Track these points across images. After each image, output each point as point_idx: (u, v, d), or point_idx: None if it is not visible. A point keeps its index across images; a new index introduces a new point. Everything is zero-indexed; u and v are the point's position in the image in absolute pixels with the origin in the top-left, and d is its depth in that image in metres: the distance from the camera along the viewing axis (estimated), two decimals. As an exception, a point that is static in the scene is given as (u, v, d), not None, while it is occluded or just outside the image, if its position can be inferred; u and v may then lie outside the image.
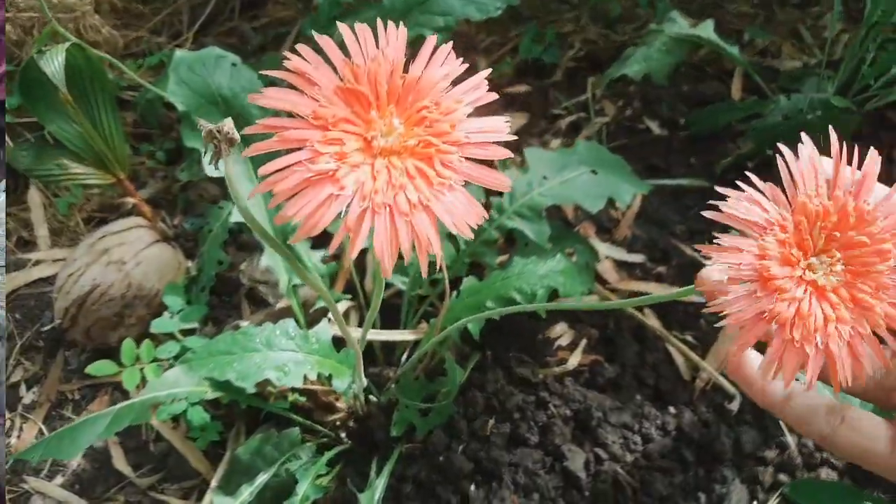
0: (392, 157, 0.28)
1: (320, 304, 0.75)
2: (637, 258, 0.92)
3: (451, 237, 0.75)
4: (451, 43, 0.31)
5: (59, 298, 0.87)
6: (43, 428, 0.87)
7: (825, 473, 0.70)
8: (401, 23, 0.31)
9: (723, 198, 0.30)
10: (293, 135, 0.27)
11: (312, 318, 0.77)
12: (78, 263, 0.87)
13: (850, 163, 0.31)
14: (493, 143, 0.30)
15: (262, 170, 0.26)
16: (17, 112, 1.14)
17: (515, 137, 0.31)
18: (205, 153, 0.27)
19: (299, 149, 0.27)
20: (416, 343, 0.76)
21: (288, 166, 0.27)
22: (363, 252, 0.90)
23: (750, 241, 0.29)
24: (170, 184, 1.14)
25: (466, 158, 0.29)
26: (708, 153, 1.03)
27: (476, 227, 0.29)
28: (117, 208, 1.15)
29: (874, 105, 0.95)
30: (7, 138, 1.11)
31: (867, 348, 0.28)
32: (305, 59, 0.28)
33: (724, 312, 0.28)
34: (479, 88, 0.31)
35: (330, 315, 0.72)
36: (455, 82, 0.31)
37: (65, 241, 1.11)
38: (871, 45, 0.97)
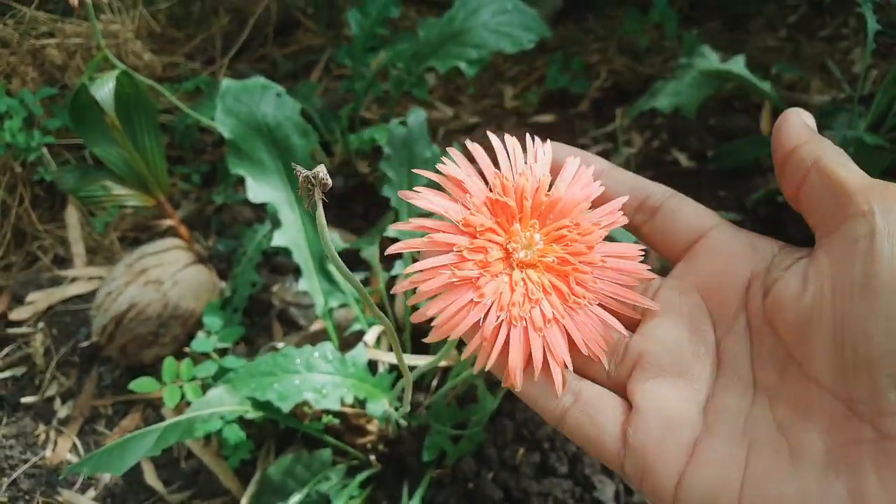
0: (529, 270, 0.29)
1: (355, 327, 0.76)
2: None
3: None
4: (592, 168, 0.32)
5: (97, 316, 0.89)
6: (77, 442, 0.88)
7: None
8: (548, 140, 0.32)
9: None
10: (444, 238, 0.28)
11: (346, 342, 0.78)
12: (117, 282, 0.89)
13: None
14: (627, 268, 0.31)
15: (409, 268, 0.27)
16: (58, 133, 1.17)
17: (648, 267, 0.32)
18: (300, 197, 0.28)
19: (446, 252, 0.28)
20: (447, 369, 0.77)
21: (434, 268, 0.27)
22: (392, 279, 0.92)
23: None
24: (203, 205, 1.17)
25: (600, 280, 0.30)
26: (736, 187, 1.04)
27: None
28: (151, 228, 1.18)
29: (907, 142, 0.95)
30: (49, 158, 1.15)
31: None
32: (459, 167, 0.29)
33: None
34: (615, 213, 0.32)
35: (365, 339, 0.73)
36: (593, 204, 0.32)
37: (100, 259, 1.13)
38: (904, 82, 0.98)
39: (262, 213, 1.11)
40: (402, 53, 0.99)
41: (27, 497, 0.82)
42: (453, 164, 0.29)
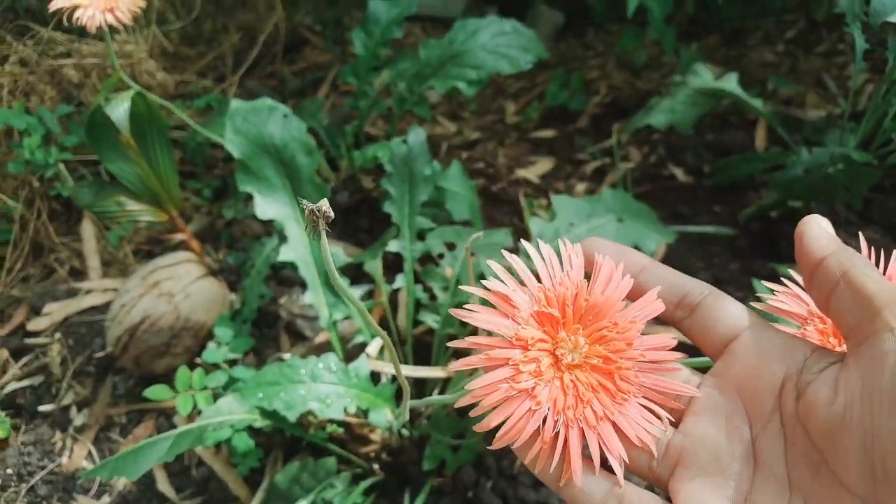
0: (577, 372, 0.31)
1: (358, 339, 0.79)
2: (661, 303, 0.95)
3: (482, 279, 0.79)
4: (622, 265, 0.34)
5: (112, 327, 0.92)
6: (92, 449, 0.92)
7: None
8: (578, 245, 0.34)
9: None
10: (499, 354, 0.30)
11: (350, 353, 0.81)
12: (131, 294, 0.92)
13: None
14: (664, 359, 0.33)
15: (471, 385, 0.30)
16: (74, 149, 1.21)
17: (683, 355, 0.34)
18: (305, 227, 0.30)
19: (502, 366, 0.30)
20: (447, 380, 0.80)
21: (493, 382, 0.29)
22: (394, 292, 0.95)
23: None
24: (214, 220, 1.21)
25: (642, 373, 0.32)
26: (731, 202, 1.07)
27: None
28: (163, 242, 1.22)
29: (896, 159, 0.98)
30: (66, 173, 1.19)
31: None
32: (504, 282, 0.31)
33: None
34: (650, 306, 0.33)
35: (368, 350, 0.76)
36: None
37: (114, 271, 1.17)
38: (893, 100, 1.00)
39: (271, 227, 1.14)
40: (404, 73, 1.02)
41: (45, 503, 0.86)
42: (499, 281, 0.31)
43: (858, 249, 0.34)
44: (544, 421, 0.29)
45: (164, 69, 1.49)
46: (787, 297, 0.36)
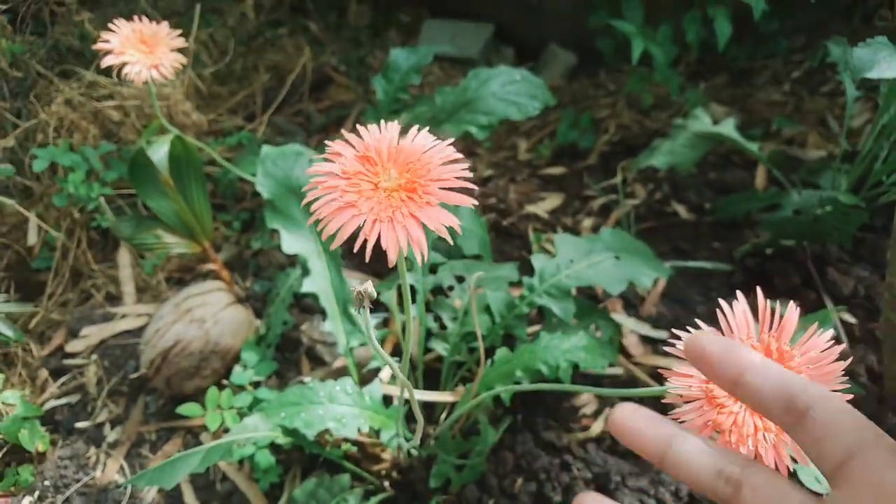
0: (393, 192, 0.43)
1: (373, 364, 0.85)
2: (661, 334, 1.00)
3: (487, 310, 0.85)
4: (427, 128, 0.46)
5: (146, 350, 1.00)
6: (123, 464, 0.98)
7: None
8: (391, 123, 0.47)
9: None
10: (330, 183, 0.42)
11: (364, 377, 0.87)
12: (165, 320, 1.00)
13: (773, 314, 0.39)
14: (455, 178, 0.44)
15: (313, 207, 0.41)
16: (113, 184, 1.31)
17: (471, 178, 0.44)
18: (353, 305, 0.39)
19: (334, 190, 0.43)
20: (455, 404, 0.85)
21: (328, 201, 0.41)
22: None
23: None
24: (242, 249, 1.29)
25: (439, 188, 0.43)
26: (730, 239, 1.12)
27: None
28: (194, 269, 1.30)
29: (886, 200, 1.02)
30: (106, 206, 1.28)
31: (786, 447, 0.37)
32: (339, 147, 0.44)
33: (681, 419, 0.37)
34: (446, 150, 0.45)
35: (381, 375, 0.82)
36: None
37: (148, 297, 1.25)
38: (885, 143, 1.05)
39: (295, 258, 1.22)
40: (420, 116, 1.10)
41: (80, 512, 0.92)
42: (335, 144, 0.44)
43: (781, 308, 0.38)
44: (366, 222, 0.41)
45: (199, 108, 1.59)
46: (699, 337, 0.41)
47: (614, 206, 1.26)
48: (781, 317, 0.39)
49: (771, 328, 0.38)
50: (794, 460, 0.57)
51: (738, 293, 0.39)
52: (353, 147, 0.45)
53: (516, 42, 1.95)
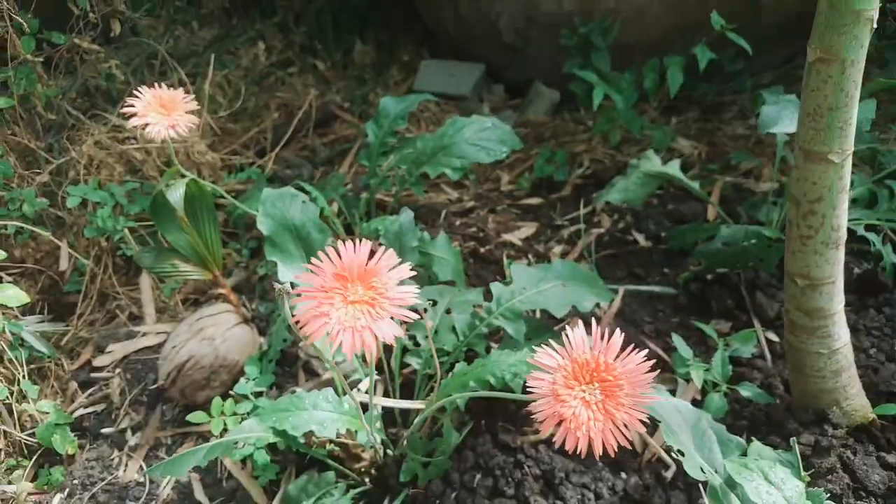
0: (356, 305, 0.56)
1: (354, 377, 0.99)
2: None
3: (453, 330, 1.00)
4: (392, 250, 0.59)
5: (163, 364, 1.15)
6: (143, 465, 1.13)
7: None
8: (365, 241, 0.60)
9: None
10: (310, 294, 0.56)
11: (352, 385, 1.01)
12: (180, 338, 1.15)
13: (602, 336, 0.54)
14: (407, 296, 0.58)
15: (297, 311, 0.55)
16: (136, 216, 1.46)
17: (418, 293, 0.58)
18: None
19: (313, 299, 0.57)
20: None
21: (307, 312, 0.55)
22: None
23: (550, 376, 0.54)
24: (250, 274, 1.44)
25: (392, 305, 0.57)
26: (679, 265, 1.25)
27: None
28: (206, 292, 1.45)
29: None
30: (130, 237, 1.44)
31: (613, 435, 0.53)
32: (322, 264, 0.58)
33: (534, 412, 0.53)
34: (402, 271, 0.58)
35: (360, 386, 0.96)
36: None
37: (166, 317, 1.41)
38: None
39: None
40: (405, 158, 1.25)
41: (106, 505, 1.07)
42: (321, 262, 0.58)
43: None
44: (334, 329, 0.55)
45: (213, 144, 1.76)
46: (546, 353, 0.55)
47: (582, 234, 1.40)
48: (610, 338, 0.53)
49: (601, 346, 0.53)
50: (682, 453, 0.72)
51: (579, 321, 0.54)
52: (333, 265, 0.59)
53: (506, 80, 2.10)
